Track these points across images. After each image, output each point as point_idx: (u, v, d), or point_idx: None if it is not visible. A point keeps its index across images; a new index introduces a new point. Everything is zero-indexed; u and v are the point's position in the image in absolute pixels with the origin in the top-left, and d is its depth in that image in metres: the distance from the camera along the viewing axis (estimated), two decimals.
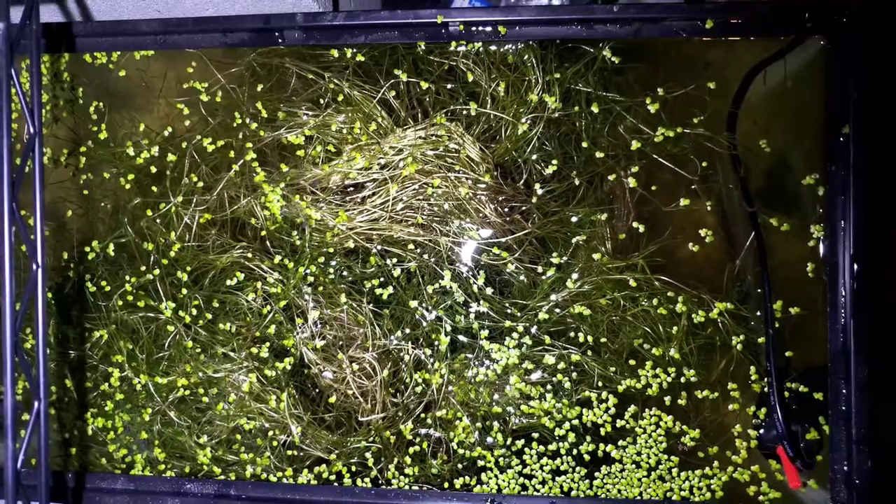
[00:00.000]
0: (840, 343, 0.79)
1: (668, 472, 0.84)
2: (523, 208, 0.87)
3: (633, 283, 0.84)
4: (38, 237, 0.71)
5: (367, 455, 0.87)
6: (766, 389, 0.81)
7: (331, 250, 0.89)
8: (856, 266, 0.78)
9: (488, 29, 0.85)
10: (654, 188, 0.85)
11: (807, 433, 0.80)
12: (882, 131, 0.81)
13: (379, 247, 0.88)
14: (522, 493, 0.85)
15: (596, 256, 0.85)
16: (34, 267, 0.71)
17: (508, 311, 0.87)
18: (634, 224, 0.85)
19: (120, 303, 0.93)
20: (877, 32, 0.78)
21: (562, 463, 0.85)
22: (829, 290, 0.80)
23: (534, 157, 0.87)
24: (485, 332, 0.86)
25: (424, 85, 0.88)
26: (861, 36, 0.79)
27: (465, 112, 0.88)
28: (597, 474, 0.84)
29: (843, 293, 0.79)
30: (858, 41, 0.79)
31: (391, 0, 1.43)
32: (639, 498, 0.84)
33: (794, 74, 0.84)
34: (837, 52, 0.80)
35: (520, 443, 0.86)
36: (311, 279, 0.89)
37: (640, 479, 0.84)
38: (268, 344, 0.90)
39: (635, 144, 0.85)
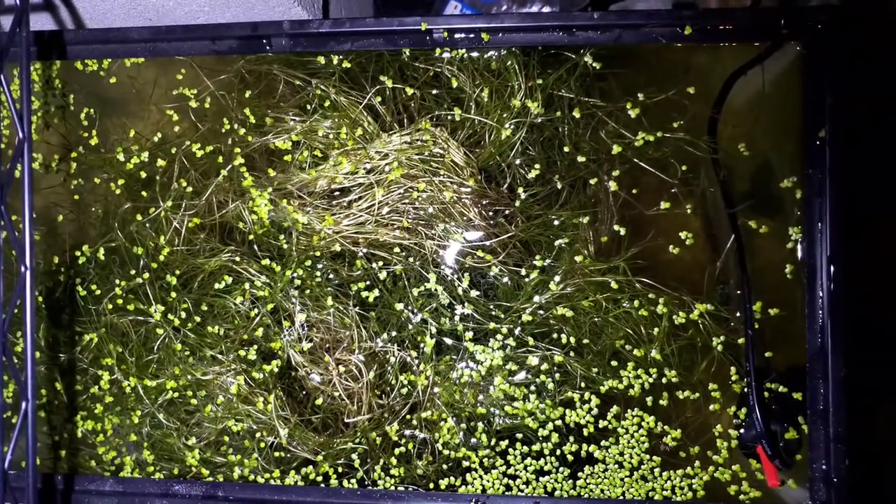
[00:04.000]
0: (818, 343, 0.80)
1: (651, 472, 0.84)
2: (507, 212, 0.88)
3: (614, 285, 0.85)
4: (27, 239, 0.72)
5: (354, 456, 0.88)
6: (745, 390, 0.82)
7: (317, 254, 0.90)
8: (832, 268, 0.80)
9: (471, 36, 0.86)
10: (635, 192, 0.86)
11: (786, 433, 0.81)
12: (858, 134, 0.82)
13: (365, 250, 0.89)
14: (507, 493, 0.86)
15: (578, 259, 0.86)
16: (23, 269, 0.72)
17: (493, 313, 0.88)
18: (616, 227, 0.87)
19: (110, 306, 0.94)
20: (851, 38, 0.80)
21: (545, 463, 0.86)
22: (807, 292, 0.81)
23: (517, 161, 0.88)
24: (469, 334, 0.87)
25: (410, 91, 0.89)
26: (836, 41, 0.80)
27: (449, 117, 0.89)
28: (580, 474, 0.85)
29: (821, 294, 0.80)
30: (833, 47, 0.80)
31: (382, 7, 1.45)
32: (621, 498, 0.84)
33: (774, 79, 0.85)
34: (813, 58, 0.82)
35: (504, 443, 0.87)
36: (298, 282, 0.90)
37: (622, 479, 0.85)
38: (255, 346, 0.91)
39: (616, 148, 0.86)
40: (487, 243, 0.88)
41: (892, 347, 0.99)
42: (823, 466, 0.79)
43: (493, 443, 0.87)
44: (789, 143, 0.84)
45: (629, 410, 0.85)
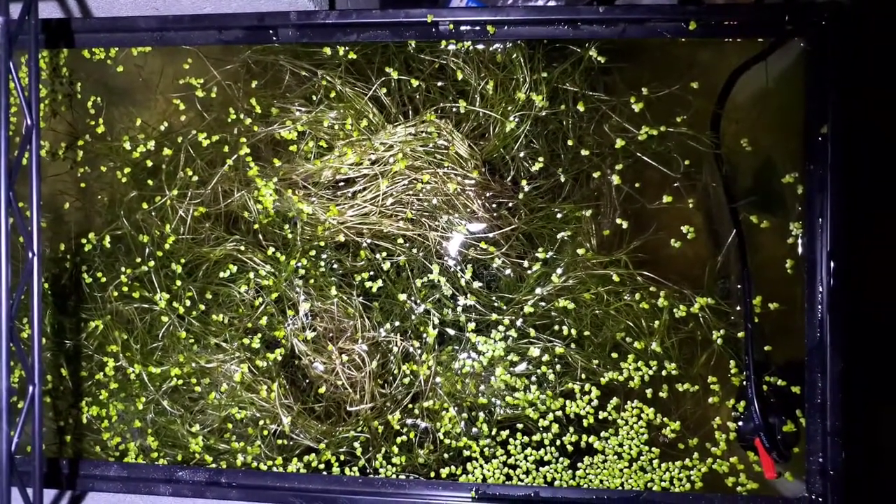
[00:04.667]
0: (817, 338, 0.81)
1: (649, 464, 0.85)
2: (510, 204, 0.89)
3: (616, 278, 0.86)
4: (35, 226, 0.73)
5: (356, 444, 0.89)
6: (744, 383, 0.83)
7: (322, 244, 0.91)
8: (832, 263, 0.80)
9: (477, 28, 0.87)
10: (638, 186, 0.87)
11: (784, 425, 0.82)
12: (861, 131, 0.83)
13: (369, 241, 0.90)
14: (507, 482, 0.87)
15: (581, 252, 0.87)
16: (30, 255, 0.73)
17: (495, 304, 0.88)
18: (619, 221, 0.87)
19: (115, 294, 0.95)
20: (854, 34, 0.80)
21: (545, 453, 0.87)
22: (807, 287, 0.82)
23: (521, 154, 0.89)
24: (472, 325, 0.88)
25: (415, 83, 0.90)
26: (839, 38, 0.81)
27: (454, 109, 0.90)
28: (579, 465, 0.86)
29: (821, 289, 0.81)
30: (836, 43, 0.81)
31: None
32: (620, 488, 0.85)
33: (777, 76, 0.86)
34: (816, 54, 0.82)
35: (504, 433, 0.88)
36: (302, 272, 0.91)
37: (621, 470, 0.86)
38: (259, 335, 0.92)
39: (620, 143, 0.86)
40: (490, 235, 0.88)
41: (891, 344, 1.00)
42: (820, 459, 0.80)
43: (493, 433, 0.88)
44: (791, 139, 0.85)
45: (629, 402, 0.86)
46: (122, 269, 0.94)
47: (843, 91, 0.80)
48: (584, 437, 0.86)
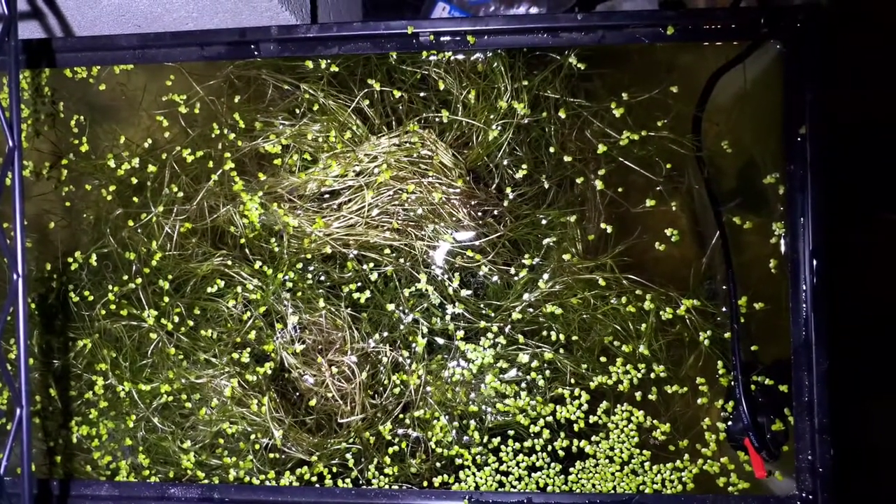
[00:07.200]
0: (802, 336, 0.82)
1: (641, 466, 0.86)
2: (495, 212, 0.89)
3: (602, 282, 0.86)
4: (19, 247, 0.73)
5: (348, 456, 0.89)
6: (732, 383, 0.84)
7: (308, 256, 0.91)
8: (815, 262, 0.81)
9: (458, 38, 0.87)
10: (621, 190, 0.88)
11: (772, 424, 0.82)
12: (839, 131, 0.84)
13: (356, 252, 0.90)
14: (499, 489, 0.87)
15: (566, 257, 0.87)
16: (15, 276, 0.73)
17: (483, 311, 0.89)
18: (603, 225, 0.88)
19: (103, 312, 0.94)
20: (828, 36, 0.81)
21: (537, 459, 0.87)
22: (790, 286, 0.83)
23: (505, 161, 0.89)
24: (460, 333, 0.88)
25: (397, 93, 0.90)
26: (815, 40, 0.82)
27: (437, 119, 0.90)
28: (571, 470, 0.86)
29: (804, 288, 0.82)
30: (813, 45, 0.82)
31: (371, 10, 1.45)
32: (613, 492, 0.86)
33: (756, 78, 0.87)
34: (793, 56, 0.83)
35: (496, 440, 0.88)
36: (289, 285, 0.91)
37: (613, 474, 0.86)
38: (248, 349, 0.91)
39: (602, 148, 0.87)
40: (477, 243, 0.89)
41: (882, 341, 1.01)
42: (809, 457, 0.80)
43: (485, 440, 0.88)
44: (772, 139, 0.86)
45: (619, 406, 0.86)
46: (110, 286, 0.94)
47: (819, 91, 0.81)
48: (576, 441, 0.87)
